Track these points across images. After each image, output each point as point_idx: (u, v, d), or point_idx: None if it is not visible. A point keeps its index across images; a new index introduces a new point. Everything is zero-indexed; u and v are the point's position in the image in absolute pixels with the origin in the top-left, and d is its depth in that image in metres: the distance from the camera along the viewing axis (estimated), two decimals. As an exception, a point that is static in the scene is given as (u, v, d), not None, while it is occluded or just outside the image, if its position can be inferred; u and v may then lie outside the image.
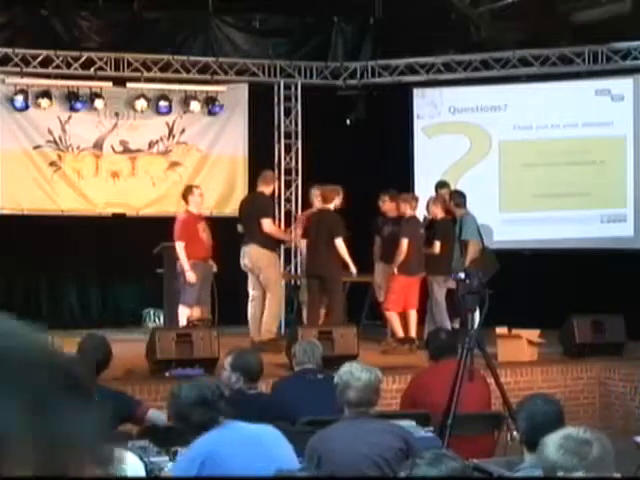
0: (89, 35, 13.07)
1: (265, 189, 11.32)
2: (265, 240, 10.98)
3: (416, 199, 11.51)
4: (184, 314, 11.00)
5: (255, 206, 11.16)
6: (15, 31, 12.76)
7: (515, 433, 4.33)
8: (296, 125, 13.95)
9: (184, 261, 10.79)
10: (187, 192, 11.26)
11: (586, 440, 3.21)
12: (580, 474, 3.15)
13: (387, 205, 11.68)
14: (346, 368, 5.13)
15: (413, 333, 11.05)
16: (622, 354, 10.45)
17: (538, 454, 3.33)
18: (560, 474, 3.18)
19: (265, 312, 11.01)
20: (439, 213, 11.39)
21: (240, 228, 11.27)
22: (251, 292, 11.19)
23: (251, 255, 10.99)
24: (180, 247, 10.81)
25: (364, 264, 12.07)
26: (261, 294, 11.10)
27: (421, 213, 11.84)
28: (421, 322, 11.26)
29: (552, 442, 3.23)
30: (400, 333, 11.03)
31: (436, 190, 12.01)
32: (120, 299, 13.77)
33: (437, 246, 11.16)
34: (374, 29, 13.97)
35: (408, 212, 11.24)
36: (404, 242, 10.97)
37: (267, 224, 10.98)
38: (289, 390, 6.58)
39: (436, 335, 7.68)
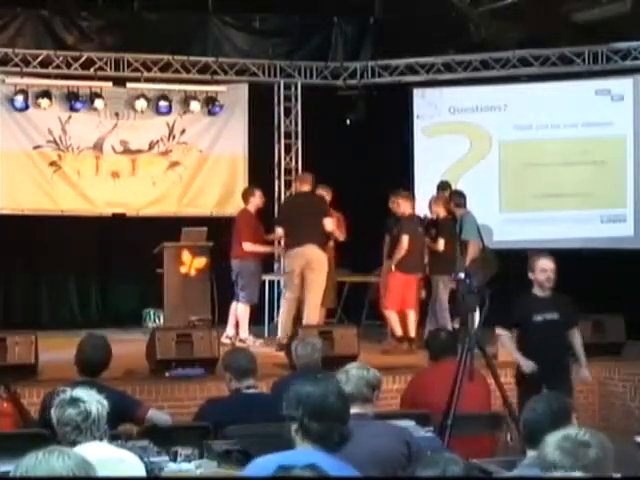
0: (89, 35, 13.07)
1: (308, 189, 11.23)
2: (323, 242, 10.93)
3: (412, 198, 11.50)
4: (246, 313, 11.46)
5: (315, 206, 10.99)
6: (15, 31, 12.76)
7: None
8: (296, 125, 13.95)
9: (261, 249, 11.45)
10: (248, 193, 11.75)
11: (584, 442, 3.21)
12: (578, 474, 3.15)
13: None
14: (344, 368, 5.14)
15: (412, 333, 11.03)
16: (622, 354, 10.45)
17: (538, 453, 3.34)
18: (557, 473, 3.17)
19: (305, 315, 10.87)
20: (441, 212, 11.37)
21: (280, 230, 11.16)
22: (288, 294, 11.12)
23: (311, 256, 10.82)
24: (247, 246, 11.31)
25: (363, 264, 12.08)
26: (297, 297, 11.01)
27: (422, 212, 11.86)
28: (420, 322, 11.24)
29: (551, 442, 3.24)
30: (399, 332, 11.01)
31: (438, 191, 12.01)
32: (120, 299, 13.76)
33: (441, 243, 11.12)
34: (374, 29, 13.95)
35: (407, 211, 11.23)
36: (404, 239, 10.97)
37: (329, 223, 10.90)
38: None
39: (436, 335, 7.68)
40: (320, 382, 4.07)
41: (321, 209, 10.92)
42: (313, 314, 10.88)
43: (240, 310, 11.48)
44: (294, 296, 11.01)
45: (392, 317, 11.09)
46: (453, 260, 11.02)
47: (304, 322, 10.72)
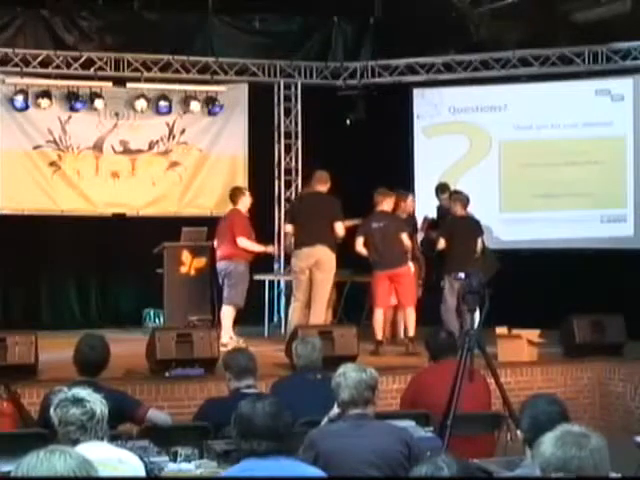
0: (89, 35, 13.07)
1: (324, 189, 11.07)
2: (334, 243, 10.82)
3: (384, 196, 11.36)
4: (230, 315, 11.10)
5: (328, 208, 10.83)
6: (15, 31, 12.76)
7: (519, 432, 4.31)
8: (296, 125, 13.95)
9: (255, 247, 11.14)
10: (238, 193, 11.49)
11: (583, 433, 3.21)
12: (577, 471, 3.12)
13: (411, 205, 11.66)
14: (340, 370, 5.14)
15: (411, 332, 10.93)
16: (622, 354, 10.45)
17: (534, 454, 3.31)
18: (557, 473, 3.15)
19: (312, 316, 10.79)
20: (459, 211, 11.23)
21: (290, 228, 11.09)
22: (298, 294, 11.02)
23: (321, 257, 10.76)
24: (242, 241, 11.05)
25: (364, 264, 12.06)
26: (307, 297, 10.92)
27: (422, 212, 11.86)
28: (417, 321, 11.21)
29: (549, 439, 3.21)
30: (378, 335, 10.84)
31: (437, 194, 11.99)
32: (120, 299, 13.77)
33: (442, 242, 11.03)
34: (374, 29, 13.97)
35: (378, 208, 11.15)
36: (356, 240, 10.94)
37: (340, 227, 10.79)
38: (288, 390, 6.58)
39: (436, 335, 7.67)
40: (255, 402, 4.25)
41: (333, 212, 10.80)
42: (319, 315, 10.85)
43: (223, 312, 11.10)
44: (304, 297, 10.93)
45: (375, 317, 10.97)
46: (458, 260, 10.80)
47: (310, 322, 10.65)
